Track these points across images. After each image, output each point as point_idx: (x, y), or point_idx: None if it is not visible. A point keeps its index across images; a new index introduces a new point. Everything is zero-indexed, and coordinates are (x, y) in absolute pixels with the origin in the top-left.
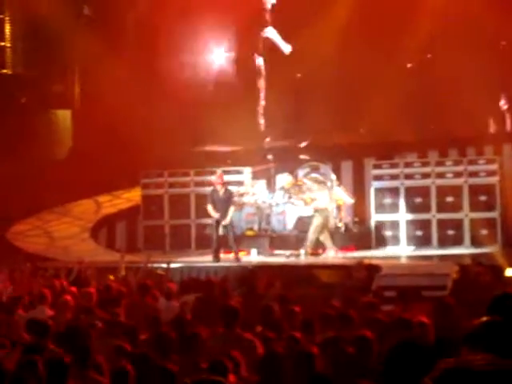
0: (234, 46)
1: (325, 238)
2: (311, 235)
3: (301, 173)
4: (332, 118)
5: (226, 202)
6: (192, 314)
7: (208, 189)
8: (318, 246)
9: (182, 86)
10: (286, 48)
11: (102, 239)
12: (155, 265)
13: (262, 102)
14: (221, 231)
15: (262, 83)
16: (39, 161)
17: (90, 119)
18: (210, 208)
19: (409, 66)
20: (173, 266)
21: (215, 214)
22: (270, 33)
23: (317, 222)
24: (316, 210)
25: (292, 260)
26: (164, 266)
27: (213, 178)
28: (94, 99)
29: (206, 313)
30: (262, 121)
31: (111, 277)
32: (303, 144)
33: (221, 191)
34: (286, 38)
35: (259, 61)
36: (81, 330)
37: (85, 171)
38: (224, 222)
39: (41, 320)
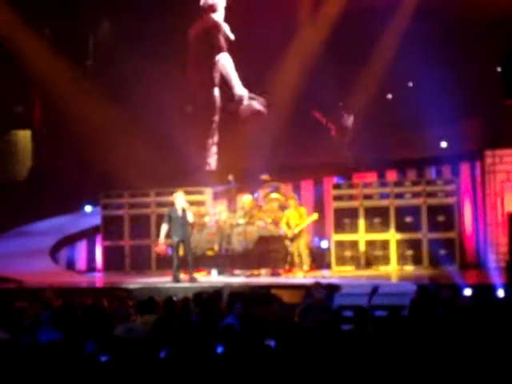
0: None
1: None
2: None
3: (261, 193)
4: (292, 140)
5: (185, 221)
6: (152, 333)
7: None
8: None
9: (146, 105)
10: None
11: (62, 259)
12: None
13: None
14: (181, 251)
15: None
16: None
17: (50, 139)
18: (164, 228)
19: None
20: (132, 286)
21: (162, 238)
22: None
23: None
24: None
25: (252, 280)
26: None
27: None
28: (54, 119)
29: (167, 332)
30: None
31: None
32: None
33: (179, 211)
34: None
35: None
36: None
37: (45, 192)
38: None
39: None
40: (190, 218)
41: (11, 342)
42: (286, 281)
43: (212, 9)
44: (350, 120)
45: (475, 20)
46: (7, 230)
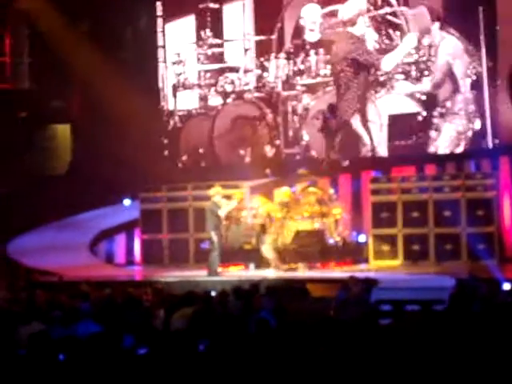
0: None
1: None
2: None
3: (299, 187)
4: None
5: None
6: (190, 326)
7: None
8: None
9: None
10: None
11: (101, 253)
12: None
13: None
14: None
15: None
16: (38, 176)
17: (89, 134)
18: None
19: None
20: (170, 279)
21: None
22: None
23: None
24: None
25: (288, 274)
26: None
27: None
28: (93, 114)
29: (205, 325)
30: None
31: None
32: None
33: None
34: None
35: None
36: None
37: (84, 186)
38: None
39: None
40: (222, 212)
41: (45, 334)
42: (322, 275)
43: None
44: (333, 122)
45: None
46: (47, 223)
